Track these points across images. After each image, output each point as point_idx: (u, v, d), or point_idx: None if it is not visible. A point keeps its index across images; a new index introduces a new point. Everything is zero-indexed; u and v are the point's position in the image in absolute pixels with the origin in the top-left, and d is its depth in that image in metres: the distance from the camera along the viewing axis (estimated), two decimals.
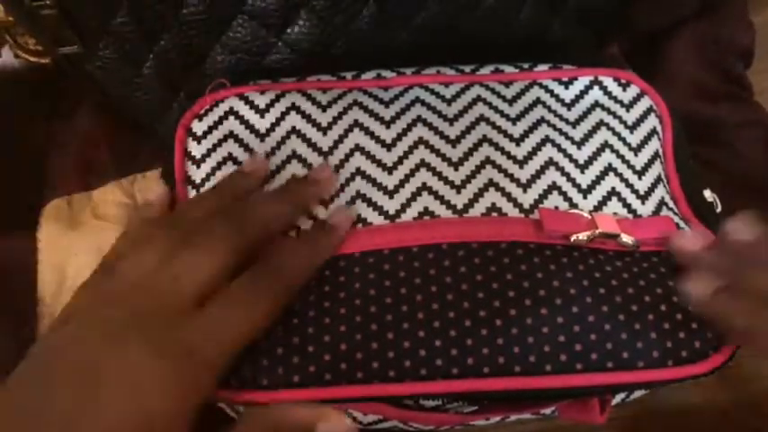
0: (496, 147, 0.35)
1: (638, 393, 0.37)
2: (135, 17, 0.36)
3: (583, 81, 0.38)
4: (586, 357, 0.29)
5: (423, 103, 0.36)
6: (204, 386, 0.26)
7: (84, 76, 0.39)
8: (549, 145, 0.35)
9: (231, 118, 0.36)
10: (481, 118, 0.36)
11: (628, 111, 0.37)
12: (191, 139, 0.35)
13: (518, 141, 0.35)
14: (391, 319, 0.29)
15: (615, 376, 0.29)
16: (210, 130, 0.36)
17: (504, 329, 0.29)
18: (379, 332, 0.29)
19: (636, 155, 0.36)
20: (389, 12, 0.39)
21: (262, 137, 0.35)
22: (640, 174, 0.35)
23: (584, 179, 0.35)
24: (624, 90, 0.38)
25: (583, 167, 0.35)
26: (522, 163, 0.34)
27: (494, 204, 0.33)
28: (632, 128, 0.37)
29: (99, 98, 0.42)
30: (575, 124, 0.36)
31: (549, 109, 0.37)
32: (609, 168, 0.35)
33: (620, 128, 0.37)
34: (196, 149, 0.35)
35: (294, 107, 0.36)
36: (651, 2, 0.46)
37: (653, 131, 0.37)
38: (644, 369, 0.29)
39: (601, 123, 0.36)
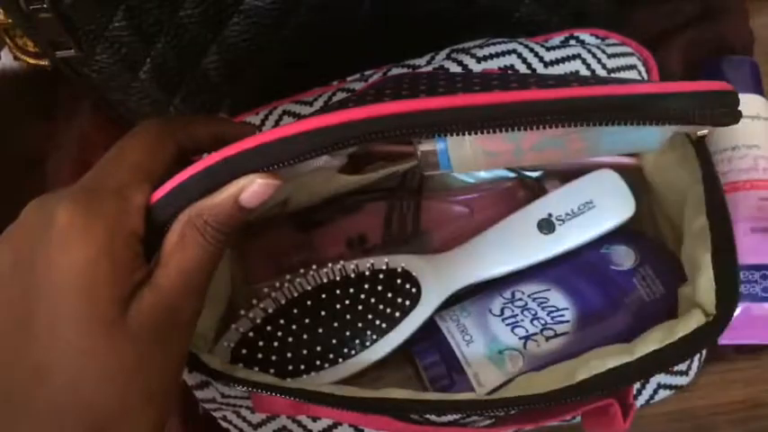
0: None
1: (662, 394, 0.36)
2: (132, 22, 0.36)
3: (558, 38, 0.38)
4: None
5: None
6: (121, 212, 0.23)
7: (83, 79, 0.39)
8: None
9: None
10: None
11: (605, 50, 0.37)
12: None
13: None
14: None
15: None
16: None
17: None
18: None
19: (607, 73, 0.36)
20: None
21: None
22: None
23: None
24: (602, 40, 0.38)
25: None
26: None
27: None
28: (609, 56, 0.37)
29: (97, 100, 0.43)
30: (548, 49, 0.37)
31: (524, 52, 0.37)
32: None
33: (594, 60, 0.36)
34: None
35: None
36: (651, 6, 0.46)
37: (631, 66, 0.37)
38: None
39: (575, 56, 0.36)
